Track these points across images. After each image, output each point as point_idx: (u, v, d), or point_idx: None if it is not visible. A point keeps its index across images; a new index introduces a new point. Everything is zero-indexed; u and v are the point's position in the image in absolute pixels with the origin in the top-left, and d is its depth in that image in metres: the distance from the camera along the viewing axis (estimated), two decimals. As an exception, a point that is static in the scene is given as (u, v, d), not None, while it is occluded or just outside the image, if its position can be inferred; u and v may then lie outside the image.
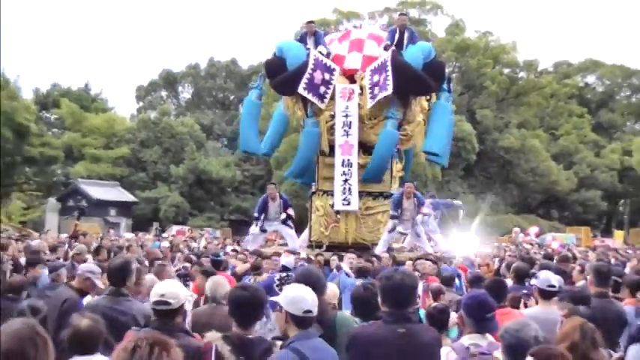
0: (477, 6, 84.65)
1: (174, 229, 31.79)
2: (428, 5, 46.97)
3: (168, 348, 2.53)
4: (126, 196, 40.42)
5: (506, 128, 43.97)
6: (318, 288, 4.29)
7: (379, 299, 4.22)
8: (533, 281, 5.99)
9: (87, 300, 5.84)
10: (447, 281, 8.26)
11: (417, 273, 8.68)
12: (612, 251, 18.71)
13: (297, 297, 3.78)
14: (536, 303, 6.03)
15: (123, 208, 39.87)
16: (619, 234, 36.30)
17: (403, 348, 3.94)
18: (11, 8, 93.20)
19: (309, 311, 3.75)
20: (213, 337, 3.85)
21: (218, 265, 8.81)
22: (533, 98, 45.93)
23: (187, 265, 10.02)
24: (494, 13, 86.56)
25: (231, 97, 55.49)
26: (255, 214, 13.61)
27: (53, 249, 11.74)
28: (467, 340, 4.13)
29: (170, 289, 4.22)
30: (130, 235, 23.42)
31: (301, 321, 3.73)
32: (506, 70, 46.38)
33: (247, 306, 3.97)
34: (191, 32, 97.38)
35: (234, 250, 12.28)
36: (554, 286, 5.65)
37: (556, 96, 47.15)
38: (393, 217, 12.66)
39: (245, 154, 17.26)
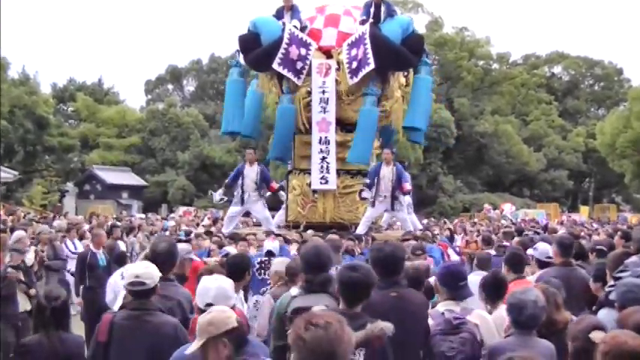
0: (455, 3, 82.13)
1: (182, 209, 30.44)
2: (409, 4, 45.25)
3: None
4: (137, 181, 40.24)
5: (481, 115, 43.10)
6: (328, 264, 3.99)
7: None
8: (530, 251, 5.90)
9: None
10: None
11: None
12: (579, 225, 18.27)
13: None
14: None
15: (134, 191, 39.73)
16: (584, 209, 35.81)
17: (398, 308, 3.75)
18: (32, 10, 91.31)
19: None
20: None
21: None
22: (506, 87, 45.60)
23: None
24: (470, 10, 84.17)
25: (232, 90, 53.84)
26: (227, 182, 11.10)
27: (68, 230, 11.41)
28: (442, 306, 4.02)
29: (144, 270, 3.73)
30: (142, 216, 22.48)
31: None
32: (480, 63, 45.58)
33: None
34: (194, 29, 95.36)
35: (207, 232, 10.13)
36: (551, 258, 5.66)
37: (526, 85, 46.50)
38: (365, 186, 10.45)
39: (228, 135, 14.54)
